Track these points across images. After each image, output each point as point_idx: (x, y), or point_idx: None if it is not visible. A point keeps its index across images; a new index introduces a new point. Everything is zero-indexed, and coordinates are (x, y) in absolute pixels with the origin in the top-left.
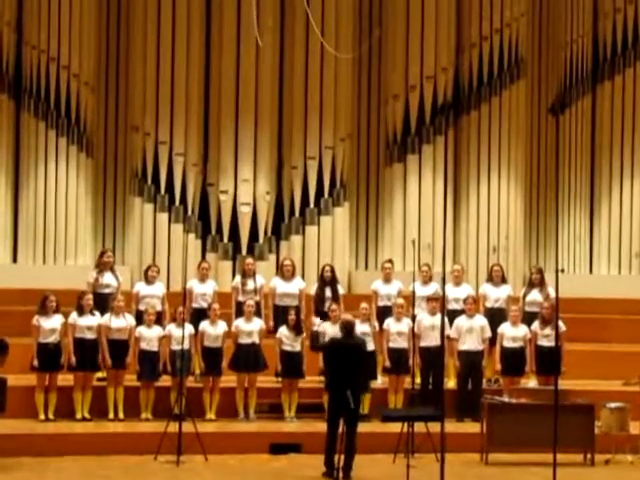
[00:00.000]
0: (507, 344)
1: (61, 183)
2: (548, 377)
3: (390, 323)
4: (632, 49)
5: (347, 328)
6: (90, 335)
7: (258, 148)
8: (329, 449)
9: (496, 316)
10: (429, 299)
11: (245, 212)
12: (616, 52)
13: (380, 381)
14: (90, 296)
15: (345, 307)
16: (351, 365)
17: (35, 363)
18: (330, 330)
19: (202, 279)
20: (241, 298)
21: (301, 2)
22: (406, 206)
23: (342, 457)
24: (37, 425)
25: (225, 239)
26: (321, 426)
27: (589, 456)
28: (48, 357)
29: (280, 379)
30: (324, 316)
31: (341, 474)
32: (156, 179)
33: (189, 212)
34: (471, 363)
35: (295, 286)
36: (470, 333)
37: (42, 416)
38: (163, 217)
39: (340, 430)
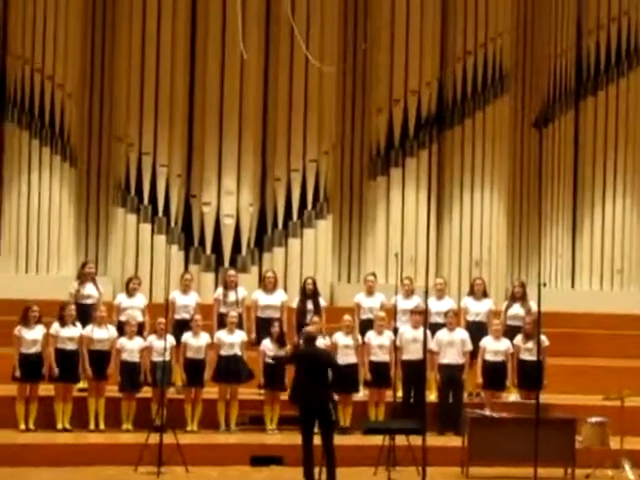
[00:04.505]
0: (489, 358)
1: (44, 193)
2: (530, 391)
3: (371, 336)
4: (615, 66)
5: (309, 339)
6: (71, 346)
7: (242, 160)
8: (306, 461)
9: (476, 330)
10: (412, 312)
11: (228, 224)
12: (599, 68)
13: (362, 394)
14: (73, 307)
15: (327, 320)
16: (315, 375)
17: (17, 373)
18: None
19: (185, 291)
20: (223, 310)
21: (286, 15)
22: (389, 219)
23: (323, 469)
24: (17, 435)
25: (208, 251)
26: None
27: (570, 471)
28: (30, 367)
29: (263, 391)
30: None
31: None
32: (139, 190)
33: (172, 223)
34: (451, 377)
35: (277, 298)
36: (451, 346)
37: (23, 426)
38: (146, 228)
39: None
